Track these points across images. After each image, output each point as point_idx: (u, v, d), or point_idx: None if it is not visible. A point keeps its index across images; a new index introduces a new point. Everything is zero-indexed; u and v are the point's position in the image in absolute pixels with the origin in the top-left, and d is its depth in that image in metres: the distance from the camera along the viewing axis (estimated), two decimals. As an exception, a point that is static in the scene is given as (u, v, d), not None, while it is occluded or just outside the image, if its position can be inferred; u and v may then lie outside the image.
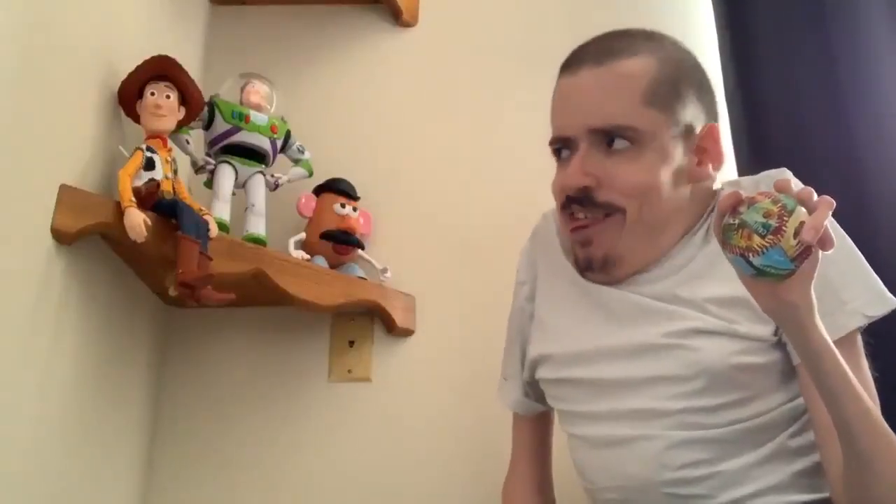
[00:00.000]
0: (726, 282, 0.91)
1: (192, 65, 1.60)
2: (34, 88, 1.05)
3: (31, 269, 1.05)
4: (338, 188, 1.50)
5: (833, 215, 0.79)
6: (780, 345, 0.96)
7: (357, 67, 1.68)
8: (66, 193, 1.09)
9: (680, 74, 1.01)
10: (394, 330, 1.49)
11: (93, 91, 1.20)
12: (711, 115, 1.04)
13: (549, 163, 1.59)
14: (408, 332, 1.50)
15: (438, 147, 1.63)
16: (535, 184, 1.58)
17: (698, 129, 1.01)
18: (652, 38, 1.04)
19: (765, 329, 0.95)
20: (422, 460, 1.43)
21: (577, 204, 1.00)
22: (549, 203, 1.56)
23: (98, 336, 1.22)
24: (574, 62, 1.02)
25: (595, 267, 1.02)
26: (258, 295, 1.36)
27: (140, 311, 1.38)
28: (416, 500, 1.41)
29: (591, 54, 1.01)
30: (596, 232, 1.01)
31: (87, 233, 1.12)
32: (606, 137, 0.98)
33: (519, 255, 1.22)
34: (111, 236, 1.18)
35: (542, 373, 1.10)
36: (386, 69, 1.68)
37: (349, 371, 1.48)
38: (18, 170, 1.02)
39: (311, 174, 1.48)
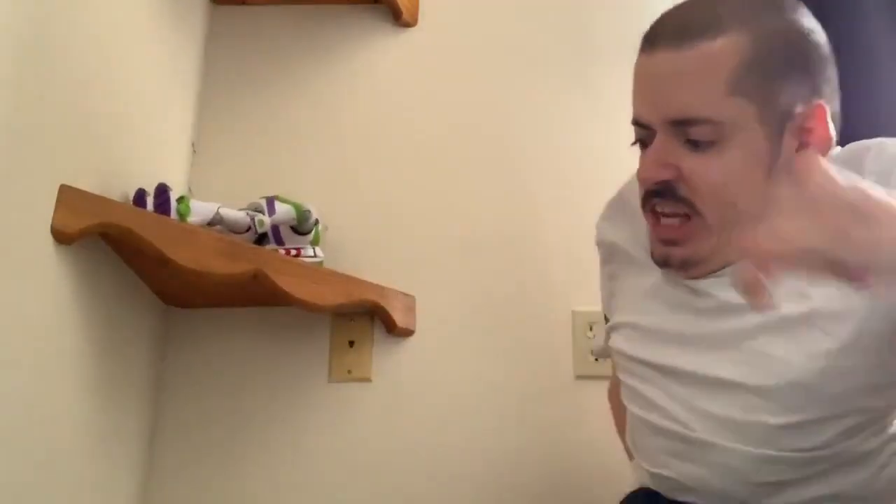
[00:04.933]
0: None
1: (192, 65, 1.61)
2: (34, 88, 1.05)
3: (31, 269, 1.05)
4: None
5: None
6: None
7: (357, 67, 1.68)
8: (66, 193, 1.09)
9: (779, 51, 0.85)
10: (394, 330, 1.48)
11: (93, 91, 1.20)
12: (819, 92, 0.87)
13: (549, 161, 1.60)
14: (408, 332, 1.50)
15: (438, 146, 1.62)
16: (536, 183, 1.60)
17: (799, 110, 0.85)
18: (759, 5, 0.88)
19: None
20: (422, 460, 1.43)
21: (657, 197, 0.89)
22: (550, 202, 1.58)
23: (98, 336, 1.22)
24: (652, 38, 0.88)
25: (672, 265, 0.92)
26: (258, 295, 1.36)
27: (140, 311, 1.38)
28: (416, 499, 1.41)
29: (670, 31, 0.87)
30: (681, 234, 0.89)
31: (87, 233, 1.12)
32: (685, 129, 0.85)
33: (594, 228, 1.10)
34: (111, 236, 1.18)
35: (615, 341, 1.02)
36: (386, 69, 1.68)
37: (349, 371, 1.48)
38: (18, 170, 1.02)
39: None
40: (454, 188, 1.59)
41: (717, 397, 0.89)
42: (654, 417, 0.95)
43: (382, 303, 1.45)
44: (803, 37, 0.88)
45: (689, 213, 0.88)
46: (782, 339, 0.86)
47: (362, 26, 1.71)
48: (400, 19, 1.70)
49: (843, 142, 1.34)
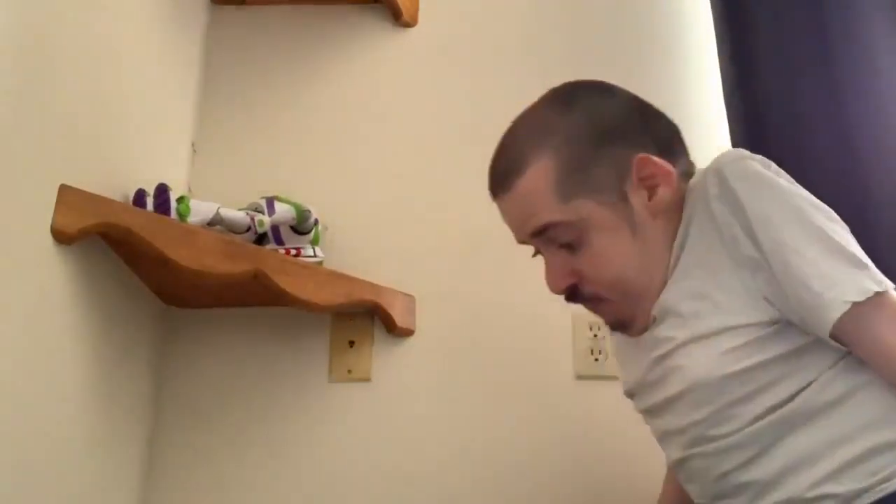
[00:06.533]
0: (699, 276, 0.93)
1: (192, 65, 1.61)
2: (34, 89, 1.05)
3: (31, 269, 1.05)
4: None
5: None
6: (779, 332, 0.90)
7: (357, 67, 1.68)
8: (66, 193, 1.10)
9: (585, 145, 0.98)
10: (394, 330, 1.48)
11: (93, 91, 1.20)
12: (639, 144, 0.98)
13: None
14: (408, 332, 1.50)
15: (438, 146, 1.62)
16: (535, 184, 1.59)
17: (632, 170, 0.97)
18: (545, 120, 1.03)
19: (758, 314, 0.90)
20: (421, 461, 1.43)
21: (570, 300, 1.03)
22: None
23: (98, 336, 1.22)
24: (490, 190, 1.04)
25: (614, 327, 1.05)
26: (258, 295, 1.36)
27: (140, 311, 1.38)
28: (416, 499, 1.41)
29: (493, 183, 1.03)
30: (599, 306, 1.03)
31: (87, 233, 1.12)
32: (547, 235, 0.99)
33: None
34: (111, 236, 1.18)
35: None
36: (386, 69, 1.68)
37: (349, 371, 1.48)
38: (18, 170, 1.02)
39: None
40: (454, 188, 1.59)
41: (664, 415, 0.99)
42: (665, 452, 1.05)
43: (382, 303, 1.45)
44: (594, 121, 0.99)
45: (601, 299, 1.00)
46: (683, 355, 0.94)
47: (362, 26, 1.71)
48: (400, 19, 1.70)
49: (843, 140, 1.33)
